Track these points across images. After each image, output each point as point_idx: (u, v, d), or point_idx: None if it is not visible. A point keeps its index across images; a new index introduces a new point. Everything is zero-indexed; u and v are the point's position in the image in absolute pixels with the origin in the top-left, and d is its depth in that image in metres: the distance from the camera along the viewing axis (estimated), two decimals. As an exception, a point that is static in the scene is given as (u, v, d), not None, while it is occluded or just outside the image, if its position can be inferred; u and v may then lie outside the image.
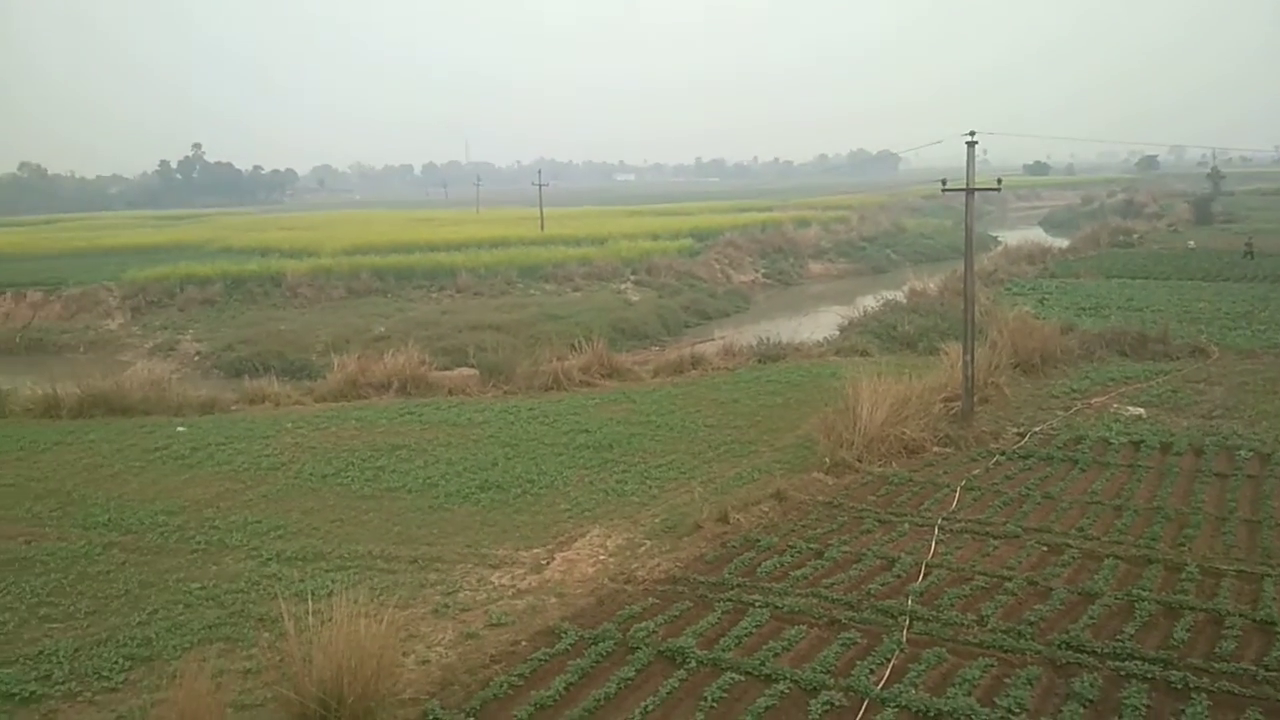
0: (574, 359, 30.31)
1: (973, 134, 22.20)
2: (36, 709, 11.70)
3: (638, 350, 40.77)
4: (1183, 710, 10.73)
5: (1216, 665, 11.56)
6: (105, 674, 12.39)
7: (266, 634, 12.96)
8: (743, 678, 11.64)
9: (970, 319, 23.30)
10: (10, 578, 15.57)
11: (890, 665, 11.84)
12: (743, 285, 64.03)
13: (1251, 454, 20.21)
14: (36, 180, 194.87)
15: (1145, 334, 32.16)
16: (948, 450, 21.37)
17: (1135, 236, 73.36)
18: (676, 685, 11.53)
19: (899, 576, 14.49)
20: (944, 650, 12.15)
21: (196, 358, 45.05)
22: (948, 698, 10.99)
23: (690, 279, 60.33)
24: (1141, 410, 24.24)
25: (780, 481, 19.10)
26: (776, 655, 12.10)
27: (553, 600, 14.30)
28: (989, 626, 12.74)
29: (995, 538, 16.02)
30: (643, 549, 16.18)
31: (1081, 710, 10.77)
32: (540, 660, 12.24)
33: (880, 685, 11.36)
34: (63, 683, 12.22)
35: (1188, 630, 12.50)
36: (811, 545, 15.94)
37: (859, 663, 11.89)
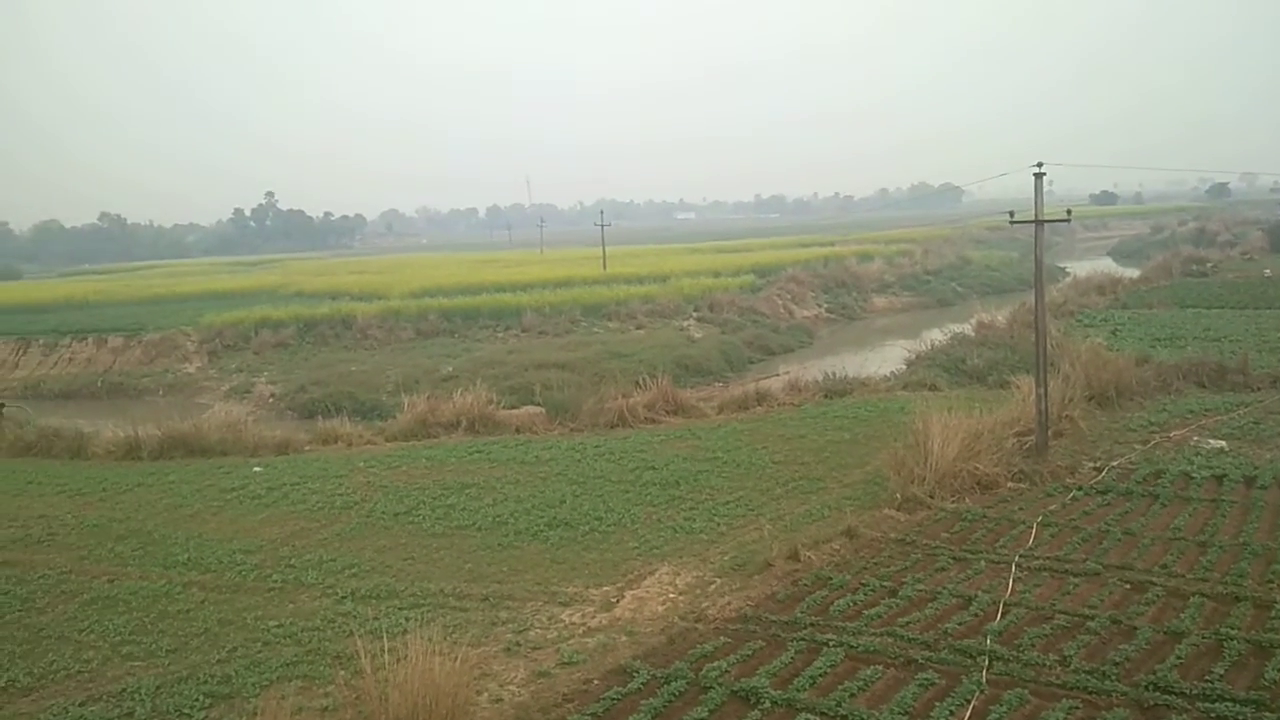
0: (638, 396, 30.36)
1: (1040, 165, 22.00)
2: (122, 745, 11.97)
3: (701, 386, 40.69)
4: (1281, 755, 10.32)
5: (1314, 707, 11.08)
6: (186, 711, 12.62)
7: (343, 672, 13.11)
8: (818, 719, 11.46)
9: (1042, 351, 22.89)
10: (94, 616, 16.03)
11: (970, 707, 11.54)
12: (806, 320, 63.71)
13: (1343, 487, 19.46)
14: (116, 230, 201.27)
15: (1224, 365, 31.20)
16: (1022, 486, 20.92)
17: (1209, 265, 71.58)
18: (751, 726, 11.36)
19: (976, 615, 14.16)
20: (1025, 692, 11.82)
21: (271, 399, 46.06)
22: (1031, 740, 10.70)
23: (753, 315, 60.28)
24: (1223, 443, 23.49)
25: (851, 518, 18.83)
26: (852, 696, 11.87)
27: (623, 639, 14.24)
28: (1072, 667, 12.37)
29: (1075, 575, 15.58)
30: (713, 587, 16.08)
31: (1173, 754, 10.42)
32: (613, 700, 12.18)
33: (961, 727, 11.07)
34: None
35: (1279, 670, 12.02)
36: (885, 583, 15.68)
37: (938, 704, 11.61)
